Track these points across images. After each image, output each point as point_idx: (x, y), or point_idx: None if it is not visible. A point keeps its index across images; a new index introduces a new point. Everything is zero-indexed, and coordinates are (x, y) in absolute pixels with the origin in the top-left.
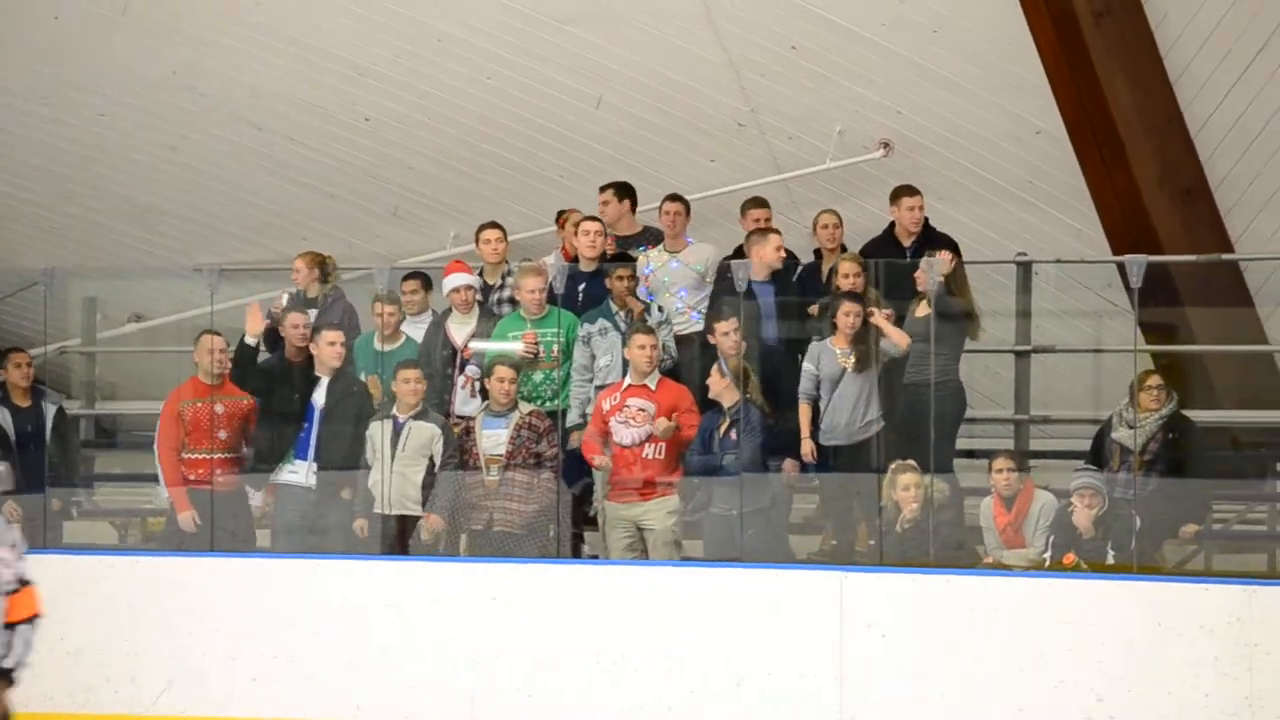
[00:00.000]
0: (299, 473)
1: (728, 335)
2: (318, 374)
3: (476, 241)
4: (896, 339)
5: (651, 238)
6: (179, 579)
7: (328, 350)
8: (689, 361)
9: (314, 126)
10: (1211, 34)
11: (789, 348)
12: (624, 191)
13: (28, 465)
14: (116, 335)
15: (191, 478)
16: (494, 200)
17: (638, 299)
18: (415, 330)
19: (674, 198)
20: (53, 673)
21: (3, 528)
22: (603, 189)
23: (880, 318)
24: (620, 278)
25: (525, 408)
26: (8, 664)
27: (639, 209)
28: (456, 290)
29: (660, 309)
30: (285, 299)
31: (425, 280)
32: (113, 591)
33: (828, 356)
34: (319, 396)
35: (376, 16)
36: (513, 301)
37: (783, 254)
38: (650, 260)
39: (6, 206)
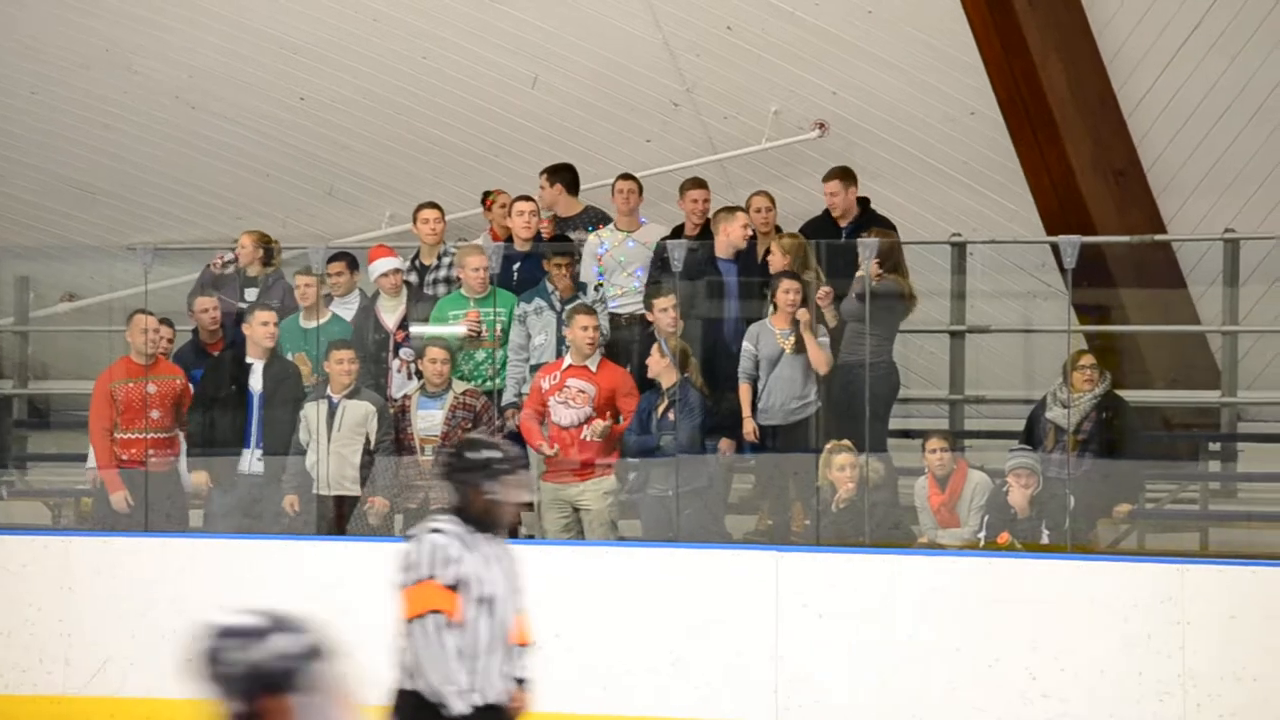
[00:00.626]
0: (244, 460)
1: (665, 311)
2: (250, 357)
3: (414, 221)
4: (815, 361)
5: (594, 217)
6: (113, 559)
7: (260, 331)
8: (633, 342)
9: (249, 106)
10: (1145, 14)
11: (714, 326)
12: (555, 175)
13: None
14: (49, 314)
15: (125, 458)
16: (430, 180)
17: (572, 283)
18: (344, 311)
19: (627, 176)
20: None
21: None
22: (541, 173)
23: (806, 329)
24: (559, 265)
25: (460, 387)
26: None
27: (581, 188)
28: (385, 275)
29: (597, 288)
30: (227, 257)
31: (351, 261)
32: (46, 572)
33: (767, 336)
34: (255, 382)
35: None
36: (448, 281)
37: (749, 232)
38: (604, 240)
39: None
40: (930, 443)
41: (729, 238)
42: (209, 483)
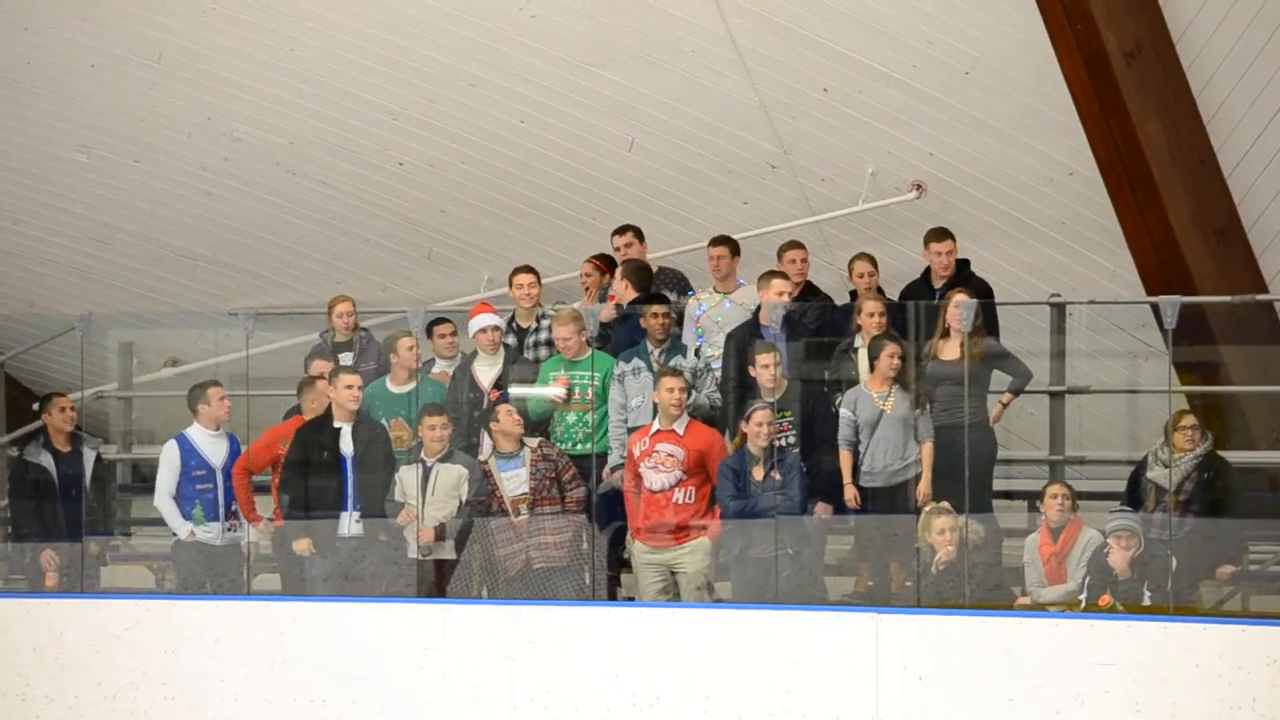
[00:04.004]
0: (343, 524)
1: (766, 368)
2: (337, 421)
3: (510, 285)
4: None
5: (666, 278)
6: (214, 622)
7: (345, 394)
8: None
9: (348, 171)
10: (1245, 73)
11: (813, 388)
12: (639, 233)
13: (68, 511)
14: (153, 380)
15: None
16: (527, 243)
17: (662, 344)
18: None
19: (720, 240)
20: (90, 717)
21: None
22: (619, 231)
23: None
24: (655, 315)
25: (531, 442)
26: None
27: (673, 250)
28: (483, 331)
29: (698, 353)
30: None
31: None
32: (150, 635)
33: (864, 400)
34: (346, 446)
35: (409, 61)
36: (549, 344)
37: (782, 298)
38: (702, 302)
39: (44, 252)
40: (1052, 488)
41: (766, 303)
42: (310, 549)
